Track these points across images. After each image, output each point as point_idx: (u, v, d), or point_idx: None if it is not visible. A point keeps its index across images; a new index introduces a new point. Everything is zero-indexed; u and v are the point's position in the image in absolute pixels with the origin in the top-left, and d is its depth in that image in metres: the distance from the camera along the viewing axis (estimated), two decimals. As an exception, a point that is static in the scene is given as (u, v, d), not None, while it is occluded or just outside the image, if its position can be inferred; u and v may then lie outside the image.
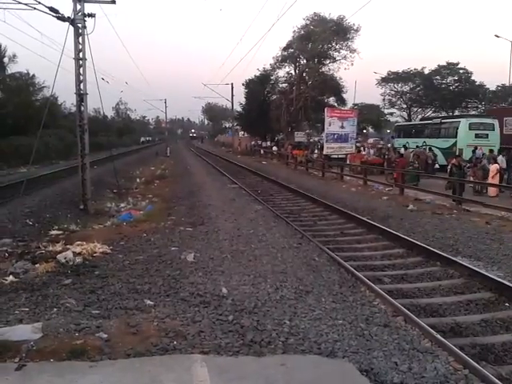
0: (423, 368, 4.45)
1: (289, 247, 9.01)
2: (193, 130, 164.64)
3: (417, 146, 27.29)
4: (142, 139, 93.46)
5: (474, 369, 4.38)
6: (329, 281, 7.10)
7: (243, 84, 50.97)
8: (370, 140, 43.83)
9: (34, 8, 12.64)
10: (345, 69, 41.99)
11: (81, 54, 13.84)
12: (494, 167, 17.28)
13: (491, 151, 20.93)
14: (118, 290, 6.49)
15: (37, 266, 7.44)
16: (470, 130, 25.04)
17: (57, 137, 38.22)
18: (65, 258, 7.63)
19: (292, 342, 4.88)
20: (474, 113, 45.96)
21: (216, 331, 5.10)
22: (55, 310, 5.63)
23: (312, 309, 5.87)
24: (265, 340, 4.90)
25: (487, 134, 25.00)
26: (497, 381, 4.15)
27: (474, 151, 20.89)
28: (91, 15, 13.65)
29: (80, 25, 13.63)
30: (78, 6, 13.50)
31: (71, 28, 13.58)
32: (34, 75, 44.19)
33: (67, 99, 56.08)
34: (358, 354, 4.70)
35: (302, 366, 4.37)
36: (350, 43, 40.24)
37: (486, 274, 7.31)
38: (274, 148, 46.23)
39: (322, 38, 39.18)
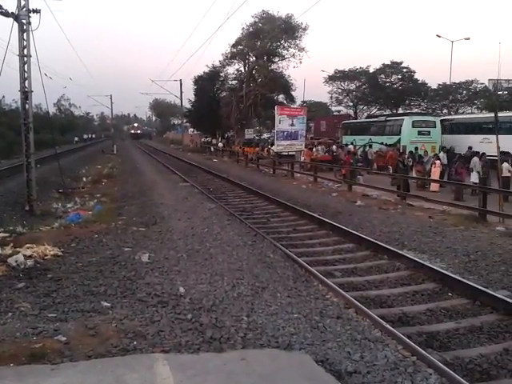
0: (374, 356, 4.71)
1: (243, 245, 9.15)
2: (136, 125, 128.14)
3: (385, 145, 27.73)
4: (77, 139, 74.97)
5: (421, 355, 4.68)
6: (283, 276, 7.31)
7: (192, 80, 50.71)
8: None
9: (-26, 2, 12.10)
10: (294, 67, 42.96)
11: (25, 51, 13.36)
12: (437, 164, 18.19)
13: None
14: (73, 293, 6.40)
15: (-14, 270, 7.21)
16: (413, 127, 26.21)
17: (-4, 135, 36.61)
18: (16, 262, 7.41)
19: (251, 337, 5.02)
20: (416, 110, 47.91)
21: (175, 330, 5.17)
22: (10, 314, 5.50)
23: (268, 304, 6.05)
24: (224, 336, 5.02)
25: (429, 132, 26.24)
26: (442, 366, 4.46)
27: (416, 149, 21.89)
28: (36, 11, 13.20)
29: (24, 21, 13.15)
30: (23, 2, 13.02)
31: (15, 24, 13.09)
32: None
33: (7, 95, 53.94)
34: (314, 345, 4.91)
35: (261, 359, 4.52)
36: (298, 42, 41.08)
37: (430, 265, 7.74)
38: (220, 144, 46.61)
39: (270, 36, 39.67)
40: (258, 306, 5.96)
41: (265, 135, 56.04)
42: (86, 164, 32.74)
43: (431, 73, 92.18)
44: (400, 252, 8.57)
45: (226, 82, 48.37)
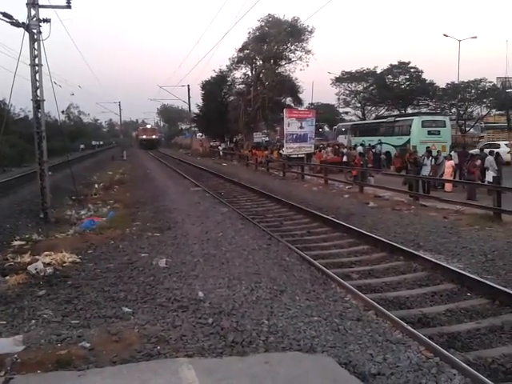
0: (397, 358, 4.71)
1: (259, 248, 9.17)
2: (148, 126, 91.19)
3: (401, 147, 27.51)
4: (82, 146, 69.06)
5: (445, 356, 4.68)
6: (301, 279, 7.32)
7: (200, 85, 50.90)
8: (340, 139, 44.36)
9: (-14, 14, 12.25)
10: (300, 69, 42.76)
11: (37, 60, 13.47)
12: (449, 163, 18.06)
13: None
14: (94, 299, 6.47)
15: (7, 278, 7.31)
16: (422, 127, 26.08)
17: (8, 143, 36.87)
18: (35, 269, 7.50)
19: (272, 341, 5.04)
20: (425, 110, 47.64)
21: (197, 334, 5.20)
22: (33, 321, 5.58)
23: (288, 307, 6.06)
24: (246, 340, 5.04)
25: (439, 131, 26.11)
26: (466, 366, 4.46)
27: (427, 148, 21.75)
28: (46, 20, 13.30)
29: (35, 30, 13.25)
30: (33, 12, 13.14)
31: (26, 34, 13.20)
32: (-19, 80, 42.58)
33: (16, 104, 54.44)
34: (336, 348, 4.92)
35: (284, 362, 4.54)
36: (304, 44, 41.00)
37: (448, 266, 7.72)
38: (220, 147, 47.02)
39: (277, 40, 39.74)
40: (278, 310, 5.98)
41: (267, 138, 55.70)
42: (97, 171, 32.92)
43: (439, 72, 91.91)
44: (416, 253, 8.56)
45: (233, 87, 48.49)
